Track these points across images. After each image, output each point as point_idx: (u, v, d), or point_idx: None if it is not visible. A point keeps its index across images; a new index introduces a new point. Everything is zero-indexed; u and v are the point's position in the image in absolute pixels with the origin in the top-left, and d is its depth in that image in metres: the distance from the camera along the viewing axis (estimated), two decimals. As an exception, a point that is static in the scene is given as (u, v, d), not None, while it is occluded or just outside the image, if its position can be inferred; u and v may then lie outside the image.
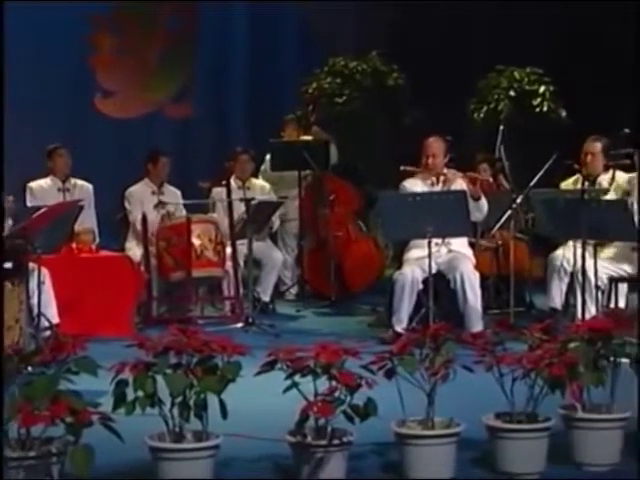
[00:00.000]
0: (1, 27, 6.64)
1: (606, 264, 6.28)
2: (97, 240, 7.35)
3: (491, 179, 7.94)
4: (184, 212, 7.74)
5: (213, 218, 7.59)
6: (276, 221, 8.31)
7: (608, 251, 6.38)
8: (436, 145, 6.74)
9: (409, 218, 6.10)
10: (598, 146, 6.64)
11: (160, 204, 7.74)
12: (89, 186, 7.77)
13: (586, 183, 6.41)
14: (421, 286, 6.44)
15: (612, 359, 3.91)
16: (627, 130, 6.47)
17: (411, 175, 6.83)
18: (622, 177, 6.55)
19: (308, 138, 8.89)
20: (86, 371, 3.58)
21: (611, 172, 6.60)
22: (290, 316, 7.88)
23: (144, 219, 7.43)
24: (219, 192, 7.92)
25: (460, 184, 6.65)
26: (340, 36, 10.66)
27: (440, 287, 6.49)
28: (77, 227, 6.55)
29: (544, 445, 3.77)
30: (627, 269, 6.35)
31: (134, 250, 7.62)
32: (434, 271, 6.31)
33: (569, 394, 3.80)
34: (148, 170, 7.92)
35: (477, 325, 6.31)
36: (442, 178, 6.74)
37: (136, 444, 3.64)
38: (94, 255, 7.09)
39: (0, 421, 3.41)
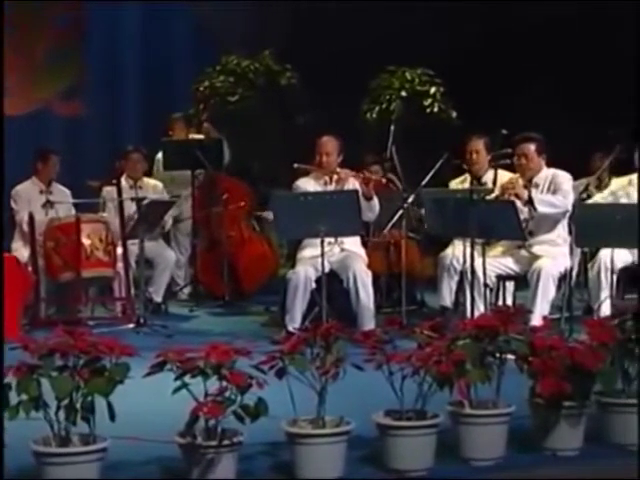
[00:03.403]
0: (1, 27, 6.45)
1: (494, 262, 6.40)
2: (-18, 240, 7.17)
3: (384, 180, 8.01)
4: (73, 211, 7.60)
5: (103, 218, 7.48)
6: (169, 220, 8.22)
7: (496, 250, 6.52)
8: (330, 144, 6.81)
9: (302, 217, 6.14)
10: (481, 143, 6.90)
11: (48, 203, 7.59)
12: (-27, 185, 7.57)
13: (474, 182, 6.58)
14: (314, 285, 6.47)
15: (498, 356, 3.99)
16: (504, 131, 6.65)
17: (305, 174, 6.87)
18: (505, 177, 6.70)
19: (200, 137, 8.83)
20: (-33, 375, 3.49)
21: (493, 172, 6.78)
22: (183, 316, 7.81)
23: (31, 219, 7.27)
24: (109, 191, 7.82)
25: (353, 183, 6.73)
26: (233, 35, 10.62)
27: (333, 286, 6.54)
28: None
29: (432, 441, 3.82)
30: (514, 267, 6.50)
31: (21, 251, 7.45)
32: (327, 270, 6.34)
33: (457, 391, 3.86)
34: (37, 169, 7.76)
35: (369, 324, 6.37)
36: (335, 177, 6.80)
37: (20, 449, 3.56)
38: (-21, 255, 6.90)
39: (0, 420, 3.28)
